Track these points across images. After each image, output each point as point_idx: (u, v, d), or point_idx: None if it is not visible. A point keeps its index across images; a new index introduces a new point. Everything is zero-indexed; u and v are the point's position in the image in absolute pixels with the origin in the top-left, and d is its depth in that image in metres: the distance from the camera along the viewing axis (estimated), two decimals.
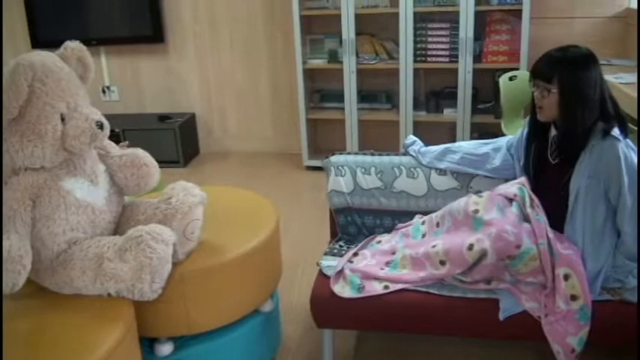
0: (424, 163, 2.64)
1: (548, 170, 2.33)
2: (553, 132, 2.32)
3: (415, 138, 2.78)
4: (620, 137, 2.15)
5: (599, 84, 2.18)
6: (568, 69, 2.18)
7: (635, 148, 2.18)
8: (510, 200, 2.28)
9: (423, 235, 2.43)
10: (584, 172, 2.18)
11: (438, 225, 2.40)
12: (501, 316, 2.14)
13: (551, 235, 2.19)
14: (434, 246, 2.26)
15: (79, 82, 2.14)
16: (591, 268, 2.17)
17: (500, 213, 2.22)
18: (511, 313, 2.14)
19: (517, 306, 2.15)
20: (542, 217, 2.23)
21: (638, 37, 3.91)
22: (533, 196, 2.29)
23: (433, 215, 2.46)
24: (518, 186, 2.33)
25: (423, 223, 2.49)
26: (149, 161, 2.30)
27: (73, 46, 2.15)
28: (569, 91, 2.17)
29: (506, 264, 2.16)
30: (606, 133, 2.15)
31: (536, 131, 2.38)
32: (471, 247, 2.15)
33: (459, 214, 2.30)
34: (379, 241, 2.53)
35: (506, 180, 2.48)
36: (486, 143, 2.64)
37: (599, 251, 2.19)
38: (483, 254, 2.13)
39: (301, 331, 2.82)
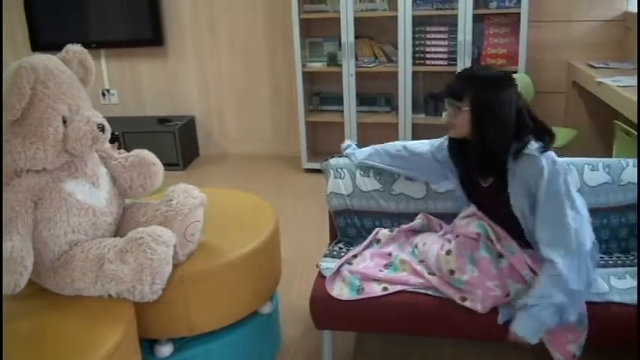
0: (355, 162, 2.68)
1: (482, 190, 2.31)
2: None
3: (350, 142, 2.83)
4: (536, 153, 2.12)
5: (513, 105, 2.14)
6: (479, 87, 2.14)
7: (557, 160, 2.15)
8: (476, 240, 2.25)
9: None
10: (517, 194, 2.17)
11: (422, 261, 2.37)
12: (500, 320, 2.15)
13: (529, 260, 2.17)
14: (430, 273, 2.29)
15: (81, 85, 2.15)
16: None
17: (473, 265, 2.19)
18: (509, 317, 2.14)
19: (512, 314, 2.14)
20: (514, 248, 2.21)
21: (638, 41, 3.93)
22: (497, 228, 2.26)
23: (409, 258, 2.39)
24: (476, 222, 2.29)
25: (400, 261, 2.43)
26: (156, 160, 2.33)
27: (74, 49, 2.16)
28: (479, 109, 2.14)
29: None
30: (517, 153, 2.13)
31: (455, 151, 2.36)
32: (463, 299, 2.18)
33: (438, 271, 2.26)
34: (379, 240, 2.54)
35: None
36: (406, 146, 2.62)
37: None
38: (475, 308, 2.15)
39: (301, 333, 2.83)
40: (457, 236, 2.31)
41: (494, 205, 2.27)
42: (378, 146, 2.69)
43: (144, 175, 2.29)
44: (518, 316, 2.07)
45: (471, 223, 2.31)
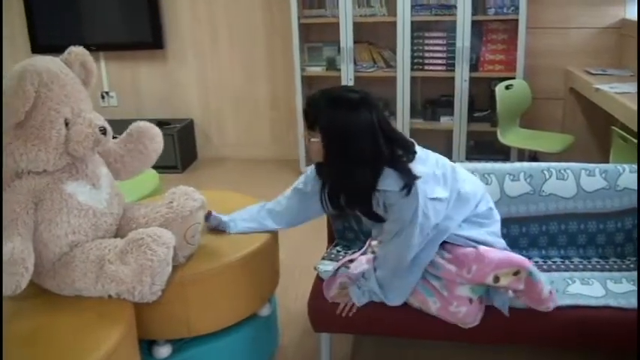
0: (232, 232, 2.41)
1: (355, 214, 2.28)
2: None
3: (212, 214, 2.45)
4: (394, 187, 2.03)
5: (368, 135, 1.99)
6: (328, 117, 2.00)
7: (416, 170, 2.07)
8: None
9: None
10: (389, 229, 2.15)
11: None
12: (507, 313, 2.15)
13: (453, 268, 2.15)
14: None
15: (82, 87, 2.17)
16: None
17: (438, 302, 2.18)
18: (508, 305, 2.15)
19: (507, 299, 2.16)
20: (439, 265, 2.19)
21: (638, 48, 3.95)
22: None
23: None
24: None
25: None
26: (150, 124, 2.43)
27: (76, 51, 2.18)
28: (329, 143, 2.01)
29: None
30: (408, 191, 2.02)
31: (320, 173, 2.26)
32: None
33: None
34: (373, 252, 2.54)
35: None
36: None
37: None
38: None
39: (298, 336, 2.83)
40: None
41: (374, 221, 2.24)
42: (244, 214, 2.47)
43: (152, 139, 2.38)
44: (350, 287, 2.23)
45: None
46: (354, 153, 2.01)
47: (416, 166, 2.07)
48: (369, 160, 2.03)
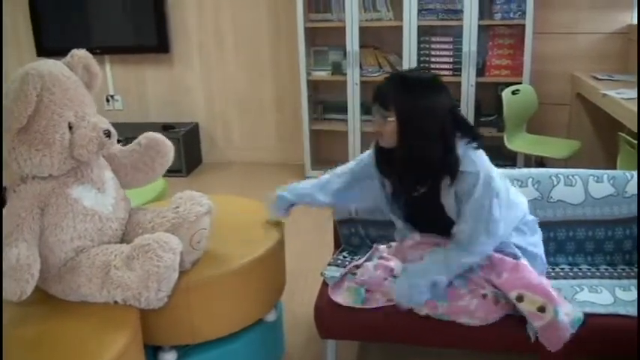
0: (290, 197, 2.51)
1: (413, 199, 2.27)
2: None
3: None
4: (473, 169, 2.09)
5: (441, 112, 2.08)
6: (406, 97, 2.07)
7: (484, 159, 2.14)
8: None
9: None
10: (453, 204, 2.15)
11: None
12: (533, 339, 2.12)
13: (480, 272, 2.17)
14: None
15: (86, 91, 2.15)
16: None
17: (443, 301, 2.17)
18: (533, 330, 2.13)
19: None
20: (474, 268, 2.19)
21: (638, 52, 3.94)
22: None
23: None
24: (429, 252, 2.25)
25: None
26: (163, 137, 2.37)
27: (79, 54, 2.16)
28: (405, 121, 2.07)
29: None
30: (453, 174, 2.09)
31: (382, 159, 2.29)
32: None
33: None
34: (380, 257, 2.53)
35: None
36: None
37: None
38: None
39: (304, 341, 2.82)
40: None
41: (427, 213, 2.26)
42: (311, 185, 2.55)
43: (161, 152, 2.33)
44: (397, 283, 2.19)
45: (425, 254, 2.25)
46: (427, 131, 2.07)
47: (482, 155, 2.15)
48: (441, 138, 2.08)
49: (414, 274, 2.19)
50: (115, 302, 2.01)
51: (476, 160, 2.12)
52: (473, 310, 2.14)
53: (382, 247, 2.53)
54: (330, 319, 2.29)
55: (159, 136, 2.36)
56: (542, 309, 2.06)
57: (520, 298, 2.08)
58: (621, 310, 2.16)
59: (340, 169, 2.54)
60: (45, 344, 1.84)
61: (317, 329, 2.33)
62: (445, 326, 2.20)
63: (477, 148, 2.14)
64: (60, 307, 2.04)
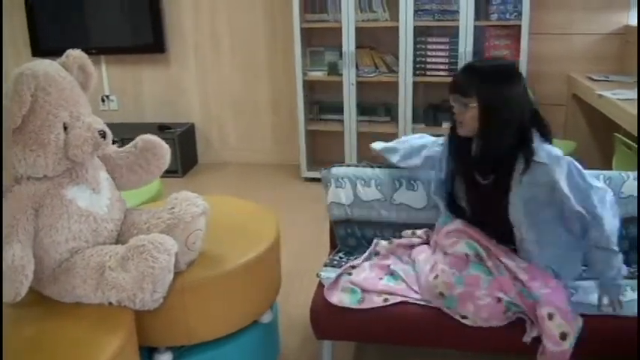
0: (394, 161, 2.62)
1: (480, 189, 2.29)
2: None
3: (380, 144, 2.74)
4: (547, 160, 2.12)
5: (521, 100, 2.14)
6: (487, 84, 2.13)
7: (556, 149, 2.18)
8: (465, 261, 2.24)
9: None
10: (519, 205, 2.17)
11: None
12: (525, 338, 2.13)
13: (522, 276, 2.16)
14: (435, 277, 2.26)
15: (81, 91, 2.14)
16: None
17: (462, 284, 2.18)
18: (535, 334, 2.13)
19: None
20: (503, 270, 2.20)
21: (638, 53, 3.94)
22: (487, 243, 2.27)
23: (414, 263, 2.43)
24: (464, 241, 2.28)
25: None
26: (162, 141, 2.36)
27: (74, 54, 2.15)
28: (487, 107, 2.12)
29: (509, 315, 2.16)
30: (527, 162, 2.12)
31: (458, 147, 2.33)
32: (463, 317, 2.17)
33: (428, 294, 2.25)
34: (377, 252, 2.54)
35: None
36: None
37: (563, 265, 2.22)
38: (479, 323, 2.16)
39: (300, 342, 2.82)
40: (445, 253, 2.31)
41: (491, 203, 2.26)
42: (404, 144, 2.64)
43: (157, 155, 2.32)
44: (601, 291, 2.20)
45: (459, 242, 2.29)
46: (508, 115, 2.12)
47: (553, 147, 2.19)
48: (519, 123, 2.14)
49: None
50: (110, 303, 2.00)
51: (551, 150, 2.16)
52: (481, 305, 2.13)
53: (383, 242, 2.54)
54: (326, 320, 2.29)
55: (155, 139, 2.35)
56: (563, 336, 2.06)
57: (550, 316, 2.07)
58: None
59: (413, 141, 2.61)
60: (39, 346, 1.83)
61: (313, 330, 2.32)
62: (441, 327, 2.21)
63: (547, 140, 2.19)
64: (55, 308, 2.03)
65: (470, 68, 2.22)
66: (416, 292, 2.30)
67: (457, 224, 2.36)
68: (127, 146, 2.36)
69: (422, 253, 2.42)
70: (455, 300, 2.17)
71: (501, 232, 2.26)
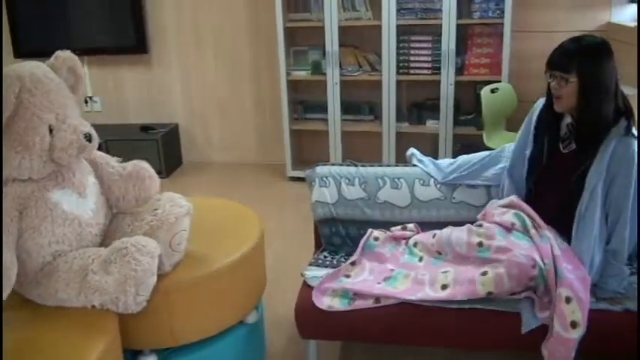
0: (439, 178, 2.67)
1: (558, 159, 2.36)
2: (566, 120, 2.35)
3: (414, 150, 2.84)
4: (634, 138, 2.20)
5: (615, 74, 2.22)
6: (587, 58, 2.21)
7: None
8: (509, 229, 2.29)
9: (420, 259, 2.43)
10: (602, 169, 2.21)
11: (439, 253, 2.41)
12: (523, 330, 2.14)
13: (557, 252, 2.19)
14: (445, 272, 2.28)
15: (69, 93, 2.13)
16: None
17: (504, 240, 2.24)
18: (531, 327, 2.14)
19: (535, 319, 2.15)
20: (546, 235, 2.25)
21: (638, 54, 3.96)
22: (533, 214, 2.32)
23: (426, 240, 2.46)
24: (513, 212, 2.34)
25: (415, 244, 2.49)
26: (153, 173, 2.31)
27: (64, 55, 2.14)
28: (588, 80, 2.20)
29: (530, 285, 2.17)
30: (628, 130, 2.20)
31: (550, 121, 2.41)
32: (484, 273, 2.17)
33: (461, 248, 2.31)
34: (377, 238, 2.53)
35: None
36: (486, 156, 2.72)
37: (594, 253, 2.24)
38: (498, 281, 2.14)
39: (286, 342, 2.82)
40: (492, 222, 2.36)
41: (563, 173, 2.31)
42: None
43: (138, 187, 2.25)
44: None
45: (507, 212, 2.36)
46: (606, 89, 2.21)
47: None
48: (615, 96, 2.23)
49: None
50: (93, 307, 1.99)
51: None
52: (515, 261, 2.14)
53: (377, 232, 2.55)
54: (311, 319, 2.29)
55: (145, 169, 2.30)
56: (574, 324, 2.07)
57: (568, 300, 2.09)
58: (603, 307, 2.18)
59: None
60: (22, 351, 1.82)
61: (298, 330, 2.32)
62: (429, 325, 2.21)
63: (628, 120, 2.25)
64: (37, 312, 2.02)
65: (568, 46, 2.28)
66: (418, 286, 2.28)
67: (511, 199, 2.42)
68: (119, 167, 2.29)
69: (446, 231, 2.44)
70: (491, 250, 2.22)
71: (559, 206, 2.31)
